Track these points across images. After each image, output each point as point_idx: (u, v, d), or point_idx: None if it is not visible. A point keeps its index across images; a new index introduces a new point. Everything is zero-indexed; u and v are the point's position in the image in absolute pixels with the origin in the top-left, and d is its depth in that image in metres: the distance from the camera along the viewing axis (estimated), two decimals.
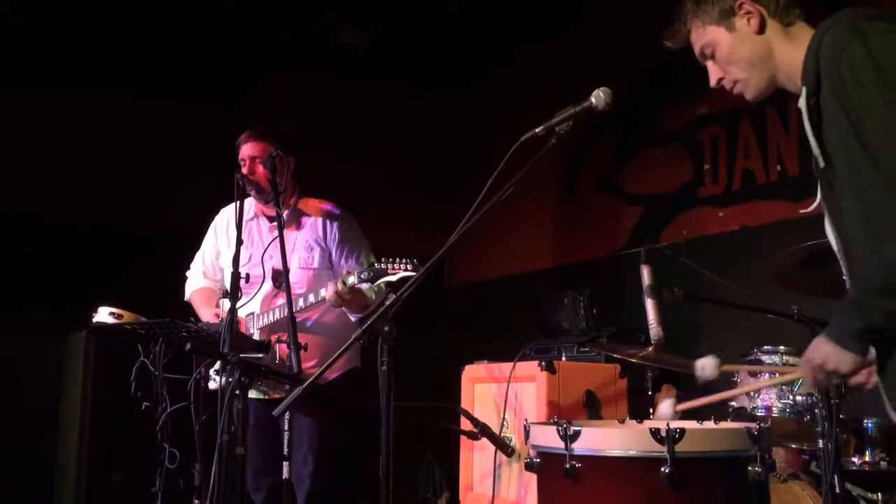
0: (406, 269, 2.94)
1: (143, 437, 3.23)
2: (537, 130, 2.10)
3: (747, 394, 3.18)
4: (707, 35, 1.81)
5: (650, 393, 3.46)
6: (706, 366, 2.14)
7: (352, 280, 3.01)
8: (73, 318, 3.81)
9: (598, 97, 2.05)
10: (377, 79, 6.10)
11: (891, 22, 1.56)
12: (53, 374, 4.19)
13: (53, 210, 5.02)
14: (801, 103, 1.67)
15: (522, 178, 2.03)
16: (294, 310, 3.15)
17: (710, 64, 1.85)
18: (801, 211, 1.93)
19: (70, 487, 4.03)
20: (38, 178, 4.96)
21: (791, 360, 3.03)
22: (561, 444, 2.15)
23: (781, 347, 3.07)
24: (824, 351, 1.62)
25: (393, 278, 2.97)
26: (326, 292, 3.08)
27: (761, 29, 1.76)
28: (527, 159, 2.05)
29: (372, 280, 3.00)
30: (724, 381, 3.04)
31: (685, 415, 2.30)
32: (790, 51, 1.72)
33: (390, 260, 2.98)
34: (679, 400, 3.21)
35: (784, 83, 1.78)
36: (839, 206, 1.62)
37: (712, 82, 1.86)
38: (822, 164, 1.64)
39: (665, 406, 2.25)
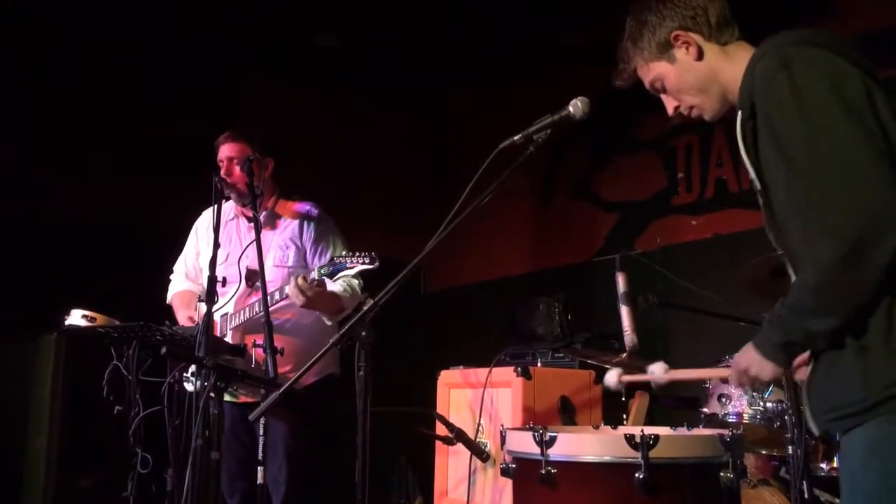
0: (364, 263, 2.94)
1: (114, 441, 3.20)
2: (515, 138, 2.11)
3: (719, 399, 3.23)
4: (652, 71, 1.85)
5: (623, 399, 3.48)
6: (655, 370, 2.19)
7: (313, 276, 3.00)
8: (45, 320, 3.76)
9: (576, 106, 2.08)
10: (355, 84, 6.09)
11: (817, 46, 1.58)
12: (22, 376, 4.12)
13: (26, 210, 4.94)
14: (738, 126, 1.71)
15: (500, 186, 2.04)
16: (261, 309, 3.14)
17: (663, 96, 1.89)
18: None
19: (38, 492, 3.97)
20: (11, 178, 4.89)
21: None
22: (537, 450, 2.16)
23: None
24: (749, 358, 1.70)
25: (351, 272, 2.98)
26: (289, 288, 3.05)
27: (700, 55, 1.79)
28: (504, 166, 2.07)
29: (331, 274, 2.99)
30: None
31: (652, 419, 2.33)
32: (732, 69, 1.76)
33: (348, 254, 2.99)
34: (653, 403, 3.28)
35: (734, 101, 1.81)
36: (778, 224, 1.67)
37: (670, 112, 1.90)
38: (757, 185, 1.69)
39: (611, 375, 2.31)
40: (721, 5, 1.82)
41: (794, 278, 1.76)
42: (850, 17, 3.90)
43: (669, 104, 1.89)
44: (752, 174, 1.69)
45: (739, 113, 1.69)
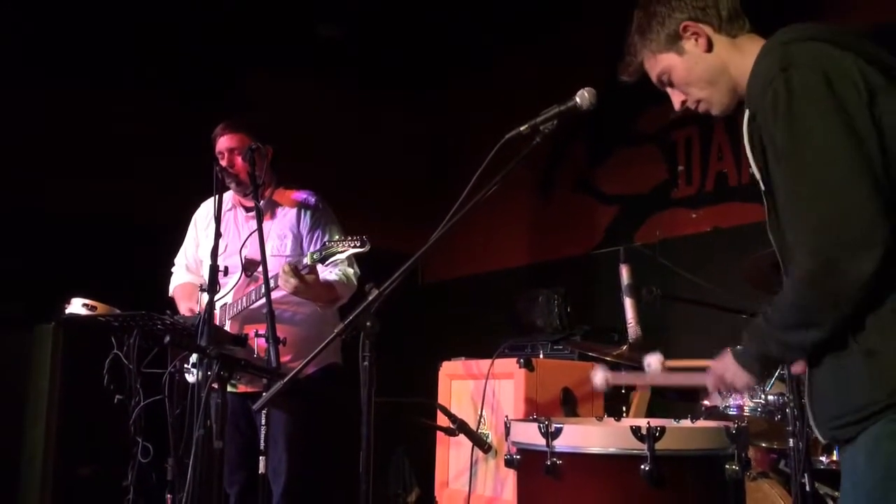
0: (354, 246, 2.92)
1: (114, 431, 3.19)
2: (522, 129, 2.09)
3: (720, 392, 3.22)
4: (659, 63, 1.83)
5: (623, 391, 3.49)
6: (651, 361, 2.21)
7: (305, 261, 2.99)
8: (44, 310, 3.75)
9: (583, 97, 2.05)
10: (356, 78, 6.08)
11: (822, 41, 1.57)
12: (20, 366, 4.11)
13: (25, 200, 4.92)
14: (745, 124, 1.69)
15: (506, 176, 2.03)
16: (257, 298, 3.13)
17: (669, 90, 1.87)
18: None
19: (36, 481, 3.96)
20: (10, 169, 4.86)
21: None
22: (542, 441, 2.17)
23: None
24: (726, 365, 1.71)
25: (342, 256, 2.95)
26: (278, 277, 3.03)
27: (710, 47, 1.77)
28: (506, 157, 2.06)
29: (322, 260, 2.98)
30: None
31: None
32: (742, 62, 1.74)
33: (340, 238, 2.97)
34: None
35: (743, 94, 1.80)
36: (781, 226, 1.65)
37: (676, 106, 1.87)
38: (762, 186, 1.68)
39: (598, 374, 2.26)
40: None
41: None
42: (849, 16, 3.89)
43: (676, 98, 1.86)
44: (757, 174, 1.68)
45: (747, 111, 1.68)
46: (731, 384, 1.72)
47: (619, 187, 5.11)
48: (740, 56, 1.76)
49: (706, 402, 3.31)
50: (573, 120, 2.11)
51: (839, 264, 1.42)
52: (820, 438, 1.66)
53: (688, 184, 4.69)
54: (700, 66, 1.78)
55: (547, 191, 5.65)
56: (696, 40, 1.78)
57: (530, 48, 5.73)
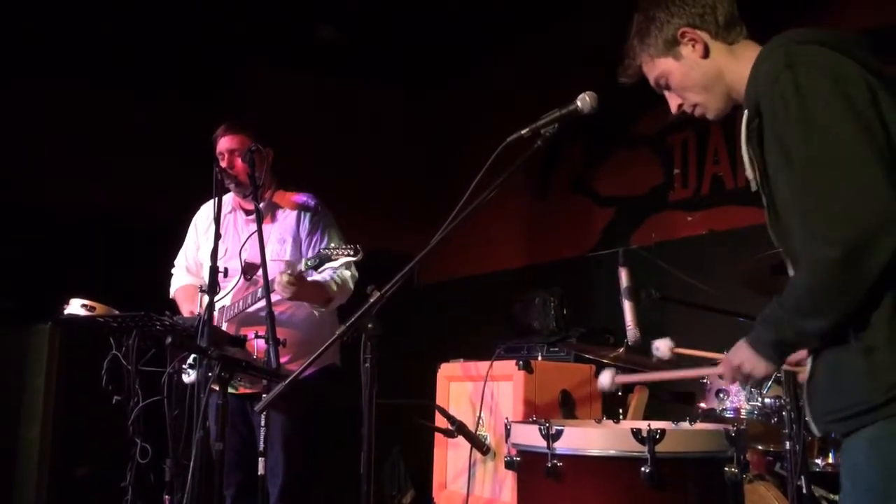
0: (348, 255, 2.95)
1: (112, 431, 3.18)
2: (523, 132, 2.11)
3: (717, 394, 3.24)
4: (657, 67, 1.86)
5: (619, 394, 3.50)
6: (660, 346, 2.21)
7: (299, 268, 3.00)
8: (41, 310, 3.74)
9: (584, 101, 2.06)
10: (355, 77, 6.08)
11: (822, 45, 1.60)
12: (17, 365, 4.09)
13: (23, 199, 4.91)
14: (743, 126, 1.71)
15: (507, 179, 2.04)
16: (253, 301, 3.14)
17: (667, 93, 1.90)
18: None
19: (32, 482, 3.95)
20: (9, 167, 4.85)
21: None
22: (543, 443, 2.18)
23: None
24: (742, 354, 1.71)
25: (336, 263, 3.00)
26: (275, 282, 3.04)
27: (706, 53, 1.80)
28: (506, 160, 2.07)
29: (316, 266, 3.00)
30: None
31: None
32: (738, 69, 1.77)
33: (335, 246, 3.01)
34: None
35: (740, 99, 1.82)
36: (782, 225, 1.67)
37: (673, 110, 1.90)
38: (757, 186, 1.70)
39: (605, 376, 2.26)
40: (730, 4, 1.83)
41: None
42: (846, 16, 3.92)
43: (673, 102, 1.89)
44: (755, 174, 1.70)
45: (745, 112, 1.70)
46: (749, 374, 1.71)
47: (616, 189, 5.12)
48: (736, 62, 1.79)
49: (703, 405, 3.32)
50: (571, 122, 2.13)
51: (862, 249, 1.45)
52: (815, 432, 1.68)
53: (684, 187, 4.71)
54: (696, 72, 1.81)
55: (543, 193, 5.66)
56: (693, 46, 1.81)
57: (530, 48, 5.75)
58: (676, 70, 1.83)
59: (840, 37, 1.63)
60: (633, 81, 1.94)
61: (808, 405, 1.67)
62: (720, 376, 1.85)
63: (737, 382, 1.76)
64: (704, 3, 1.81)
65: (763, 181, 1.68)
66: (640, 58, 1.88)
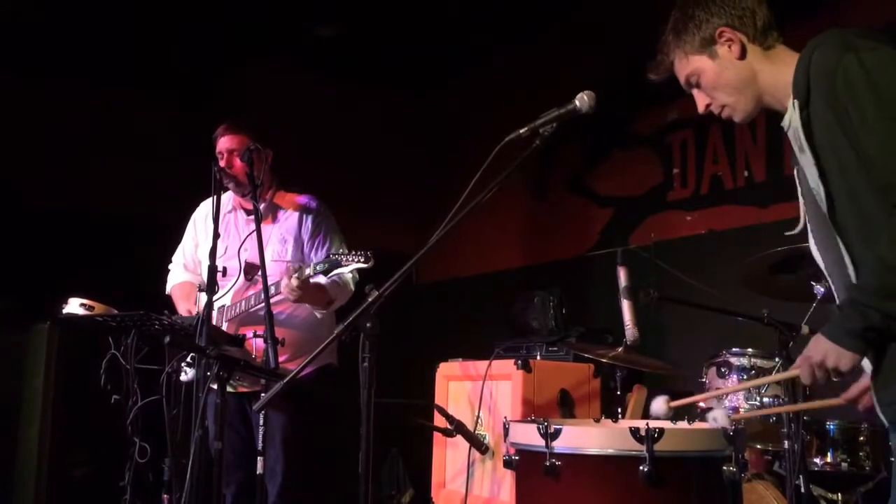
0: (359, 261, 2.93)
1: (111, 430, 3.18)
2: (521, 131, 2.10)
3: (726, 397, 3.24)
4: (691, 64, 1.86)
5: (618, 393, 3.50)
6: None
7: (307, 272, 3.00)
8: (39, 309, 3.73)
9: (583, 100, 2.06)
10: (356, 76, 6.08)
11: (877, 40, 1.63)
12: (15, 365, 4.09)
13: (22, 198, 4.91)
14: (787, 119, 1.71)
15: (505, 178, 2.04)
16: (256, 302, 3.14)
17: (696, 92, 1.90)
18: (787, 233, 1.98)
19: (30, 482, 3.95)
20: (8, 166, 4.85)
21: (759, 361, 3.10)
22: (541, 442, 2.18)
23: (749, 350, 3.13)
24: (824, 348, 1.65)
25: (346, 269, 2.97)
26: (281, 284, 3.04)
27: (743, 54, 1.81)
28: (503, 159, 2.07)
29: (326, 272, 2.99)
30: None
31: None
32: (773, 72, 1.78)
33: (345, 252, 2.98)
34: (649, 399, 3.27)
35: (770, 103, 1.83)
36: (842, 222, 1.65)
37: (700, 109, 1.90)
38: (816, 180, 1.67)
39: (659, 403, 2.19)
40: (768, 9, 1.84)
41: (831, 281, 1.76)
42: (846, 15, 3.92)
43: (701, 101, 1.90)
44: (813, 167, 1.67)
45: (793, 103, 1.69)
46: (834, 368, 1.63)
47: (615, 189, 5.12)
48: (771, 66, 1.80)
49: (702, 404, 3.32)
50: (570, 122, 2.13)
51: None
52: (884, 421, 1.67)
53: (683, 186, 4.70)
54: (730, 72, 1.82)
55: (542, 192, 5.66)
56: (730, 47, 1.82)
57: (529, 48, 5.75)
58: (710, 69, 1.84)
59: (874, 35, 1.65)
60: (662, 78, 1.95)
61: (874, 393, 1.67)
62: (797, 378, 1.78)
63: (817, 380, 1.67)
64: (744, 6, 1.82)
65: (820, 165, 1.66)
66: (674, 54, 1.88)
